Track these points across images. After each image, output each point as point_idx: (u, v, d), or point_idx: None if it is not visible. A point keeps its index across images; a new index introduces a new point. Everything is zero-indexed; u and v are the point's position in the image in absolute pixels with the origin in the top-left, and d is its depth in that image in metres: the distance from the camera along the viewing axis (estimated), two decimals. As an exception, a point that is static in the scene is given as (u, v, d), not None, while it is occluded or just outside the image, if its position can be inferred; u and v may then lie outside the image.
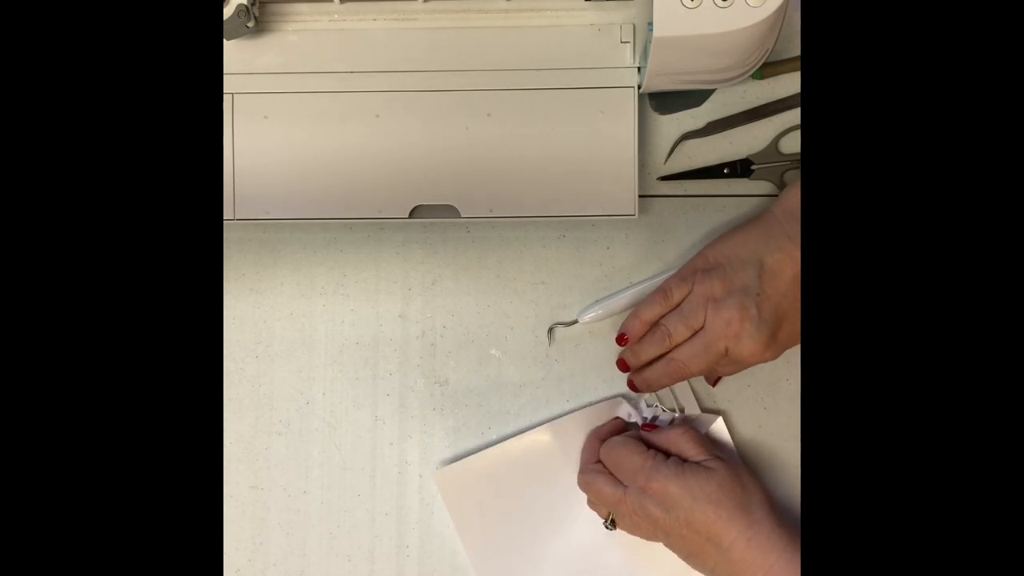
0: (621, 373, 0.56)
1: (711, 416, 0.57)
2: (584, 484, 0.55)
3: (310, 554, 0.58)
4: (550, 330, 0.58)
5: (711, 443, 0.53)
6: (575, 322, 0.58)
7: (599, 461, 0.55)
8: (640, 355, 0.54)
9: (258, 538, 0.59)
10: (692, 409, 0.57)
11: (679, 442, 0.53)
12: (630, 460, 0.52)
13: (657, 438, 0.54)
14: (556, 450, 0.57)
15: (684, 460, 0.52)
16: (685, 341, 0.52)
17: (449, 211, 0.55)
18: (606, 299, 0.57)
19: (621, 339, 0.55)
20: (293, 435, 0.59)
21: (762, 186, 0.58)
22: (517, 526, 0.57)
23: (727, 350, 0.51)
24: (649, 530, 0.52)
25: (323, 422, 0.59)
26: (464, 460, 0.57)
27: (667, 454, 0.53)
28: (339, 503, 0.59)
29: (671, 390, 0.57)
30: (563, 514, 0.57)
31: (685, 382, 0.57)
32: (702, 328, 0.51)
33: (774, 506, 0.51)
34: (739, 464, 0.53)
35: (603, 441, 0.55)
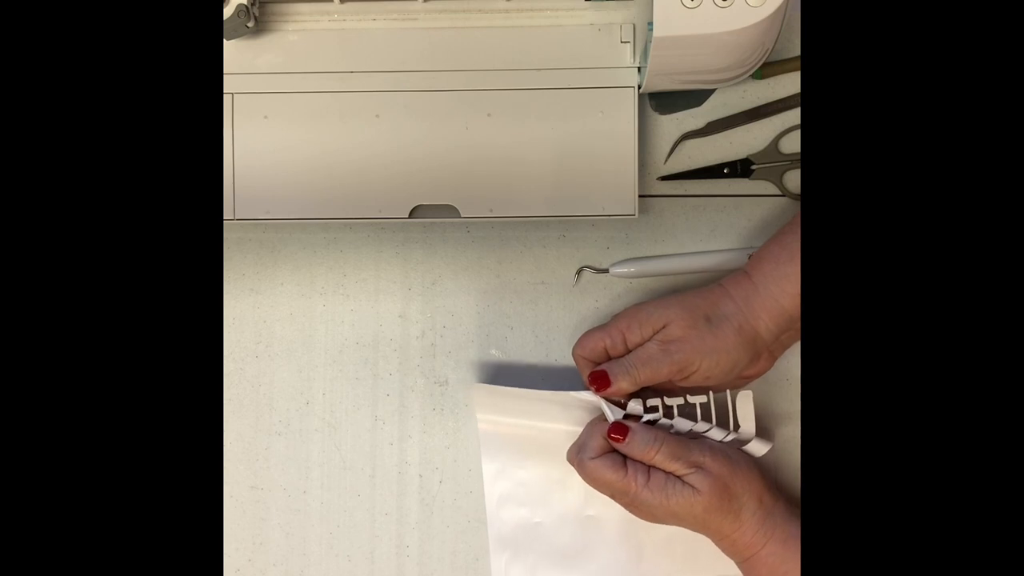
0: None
1: (766, 443, 0.53)
2: (575, 463, 0.52)
3: (310, 554, 0.58)
4: (578, 271, 0.58)
5: (699, 449, 0.50)
6: (606, 271, 0.58)
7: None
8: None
9: (258, 538, 0.59)
10: (748, 429, 0.52)
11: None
12: (608, 485, 0.50)
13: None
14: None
15: (667, 474, 0.50)
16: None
17: (449, 211, 0.55)
18: (643, 259, 0.57)
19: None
20: (293, 435, 0.59)
21: (762, 186, 0.58)
22: (537, 462, 0.56)
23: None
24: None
25: (323, 422, 0.59)
26: (502, 387, 0.55)
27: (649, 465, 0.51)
28: (339, 503, 0.58)
29: (730, 403, 0.52)
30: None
31: (750, 398, 0.53)
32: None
33: (763, 500, 0.50)
34: (732, 467, 0.50)
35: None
